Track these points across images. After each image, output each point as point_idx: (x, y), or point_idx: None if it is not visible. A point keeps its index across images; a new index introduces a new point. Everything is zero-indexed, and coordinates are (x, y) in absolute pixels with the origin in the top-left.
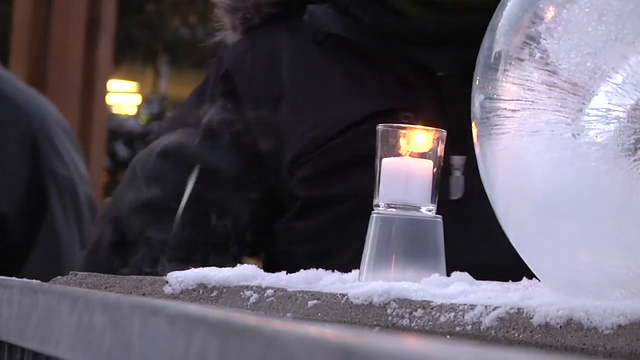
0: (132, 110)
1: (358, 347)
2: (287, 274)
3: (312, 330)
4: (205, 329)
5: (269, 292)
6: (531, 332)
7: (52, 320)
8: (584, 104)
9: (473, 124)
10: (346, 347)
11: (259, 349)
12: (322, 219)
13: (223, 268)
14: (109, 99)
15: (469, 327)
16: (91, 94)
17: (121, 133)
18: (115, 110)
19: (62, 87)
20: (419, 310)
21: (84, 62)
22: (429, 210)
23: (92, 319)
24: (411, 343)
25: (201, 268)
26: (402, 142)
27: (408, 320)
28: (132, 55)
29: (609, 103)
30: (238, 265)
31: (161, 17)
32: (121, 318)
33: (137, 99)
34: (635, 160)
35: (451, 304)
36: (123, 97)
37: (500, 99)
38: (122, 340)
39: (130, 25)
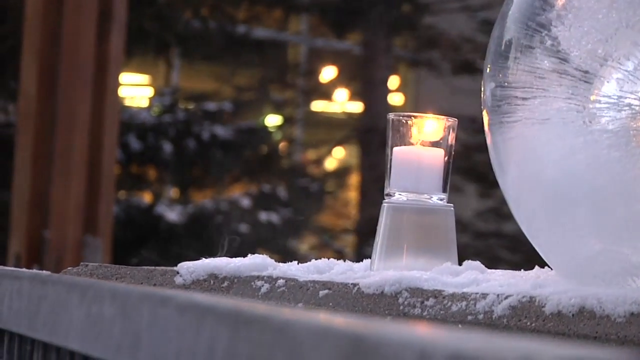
0: (144, 103)
1: (367, 335)
2: (298, 263)
3: (321, 318)
4: (215, 318)
5: (280, 282)
6: (543, 320)
7: (61, 311)
8: (595, 91)
9: (484, 112)
10: (355, 335)
11: (268, 338)
12: None
13: (234, 258)
14: (121, 92)
15: (481, 316)
16: (103, 86)
17: (134, 125)
18: (127, 103)
19: (74, 80)
20: (430, 299)
21: (95, 54)
22: (441, 199)
23: (101, 309)
24: (419, 331)
25: (212, 258)
26: (413, 131)
27: (420, 310)
28: (143, 47)
29: (620, 90)
30: (249, 255)
31: (172, 9)
32: (130, 308)
33: (149, 91)
34: None
35: (463, 293)
36: (135, 89)
37: (511, 87)
38: (131, 330)
39: (141, 17)
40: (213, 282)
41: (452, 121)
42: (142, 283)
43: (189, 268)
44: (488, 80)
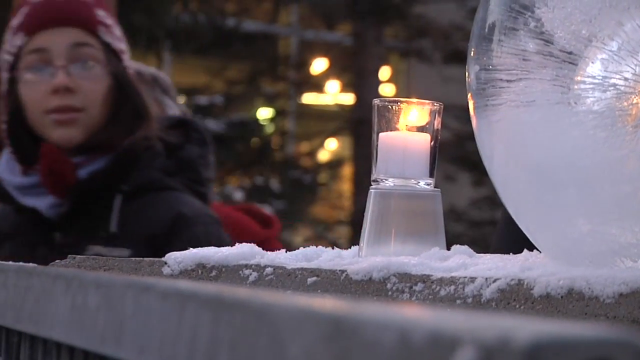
0: None
1: (347, 317)
2: (286, 251)
3: (302, 301)
4: (197, 304)
5: (268, 270)
6: (532, 303)
7: (47, 302)
8: (580, 72)
9: (469, 96)
10: (335, 317)
11: (250, 322)
12: None
13: (222, 247)
14: None
15: (470, 300)
16: None
17: None
18: None
19: None
20: (419, 284)
21: None
22: (428, 184)
23: (85, 298)
24: (399, 311)
25: (200, 248)
26: (399, 116)
27: (408, 295)
28: (133, 42)
29: (605, 70)
30: (237, 244)
31: (162, 4)
32: (114, 296)
33: None
34: (633, 127)
35: (451, 277)
36: None
37: (496, 70)
38: (115, 319)
39: (130, 12)
40: (201, 272)
41: (438, 106)
42: (129, 274)
43: (176, 258)
44: (472, 64)
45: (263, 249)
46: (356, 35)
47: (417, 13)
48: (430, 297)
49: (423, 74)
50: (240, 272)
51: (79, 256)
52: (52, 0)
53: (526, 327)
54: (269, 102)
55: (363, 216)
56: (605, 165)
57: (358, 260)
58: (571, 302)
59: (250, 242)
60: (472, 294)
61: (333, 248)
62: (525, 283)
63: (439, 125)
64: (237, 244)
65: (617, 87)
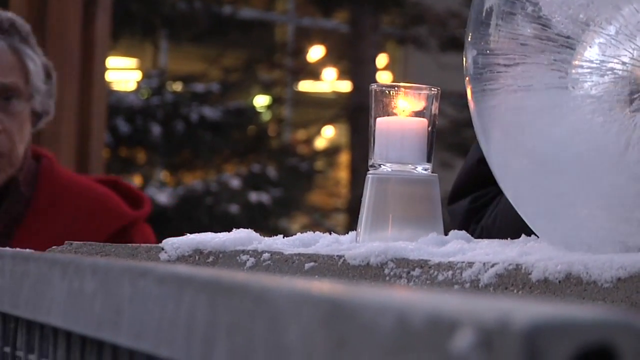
0: (132, 86)
1: (345, 300)
2: (283, 237)
3: (300, 285)
4: (194, 288)
5: (266, 255)
6: (530, 287)
7: (43, 287)
8: (577, 56)
9: (466, 81)
10: (334, 300)
11: (247, 305)
12: None
13: (219, 233)
14: (108, 76)
15: (467, 285)
16: (90, 70)
17: (122, 108)
18: (115, 87)
19: (60, 65)
20: (416, 269)
21: (82, 38)
22: (425, 169)
23: (82, 283)
24: (398, 294)
25: (197, 234)
26: (396, 101)
27: (406, 280)
28: (130, 30)
29: (603, 55)
30: (233, 230)
31: None
32: (111, 281)
33: (137, 75)
34: (631, 112)
35: (449, 262)
36: (123, 73)
37: (493, 54)
38: (112, 304)
39: (127, 0)
40: (198, 258)
41: (435, 90)
42: (126, 260)
43: (173, 244)
44: (470, 49)
45: (130, 232)
46: (353, 23)
47: (414, 0)
48: (427, 282)
49: (420, 61)
50: (238, 257)
51: (75, 242)
52: None
53: (525, 309)
54: (265, 90)
55: (360, 203)
56: (603, 150)
57: (356, 245)
58: (569, 286)
59: (115, 224)
60: (470, 279)
61: (330, 234)
62: (523, 268)
63: (437, 111)
64: (98, 223)
65: (615, 71)
